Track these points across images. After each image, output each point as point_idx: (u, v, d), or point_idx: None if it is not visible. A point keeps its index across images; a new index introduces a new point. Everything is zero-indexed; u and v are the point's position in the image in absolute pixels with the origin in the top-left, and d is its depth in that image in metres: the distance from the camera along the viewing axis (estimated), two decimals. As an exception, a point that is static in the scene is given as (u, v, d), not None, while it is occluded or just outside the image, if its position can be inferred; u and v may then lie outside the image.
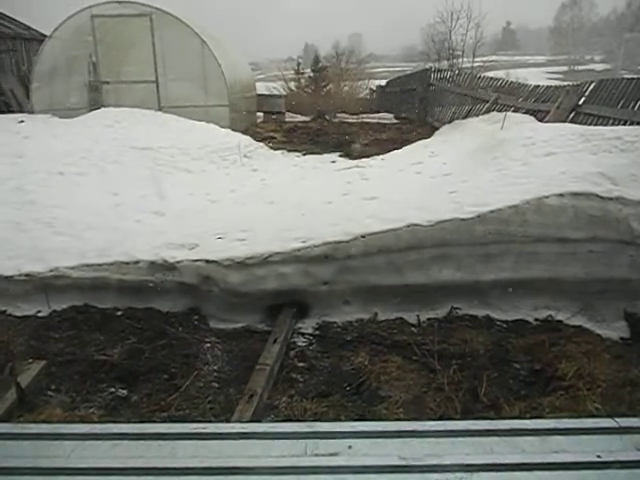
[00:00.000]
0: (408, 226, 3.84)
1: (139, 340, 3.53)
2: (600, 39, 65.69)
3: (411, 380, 3.10)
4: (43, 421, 2.64)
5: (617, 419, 1.66)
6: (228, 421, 2.61)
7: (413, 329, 3.70)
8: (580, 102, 8.16)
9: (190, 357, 3.36)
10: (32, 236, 4.63)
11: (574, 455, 1.50)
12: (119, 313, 3.86)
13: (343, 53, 29.80)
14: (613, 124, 6.86)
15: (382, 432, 1.65)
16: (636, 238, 3.73)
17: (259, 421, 2.64)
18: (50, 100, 11.79)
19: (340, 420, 2.65)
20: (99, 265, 4.01)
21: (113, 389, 3.06)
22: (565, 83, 11.13)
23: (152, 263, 3.97)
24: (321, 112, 16.83)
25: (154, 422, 2.64)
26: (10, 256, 4.20)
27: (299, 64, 26.92)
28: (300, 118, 16.84)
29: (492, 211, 3.85)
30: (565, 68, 56.00)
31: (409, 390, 3.00)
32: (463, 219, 3.84)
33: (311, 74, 24.97)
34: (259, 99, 16.22)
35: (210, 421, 2.66)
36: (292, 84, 25.54)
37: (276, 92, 21.10)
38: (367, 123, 15.01)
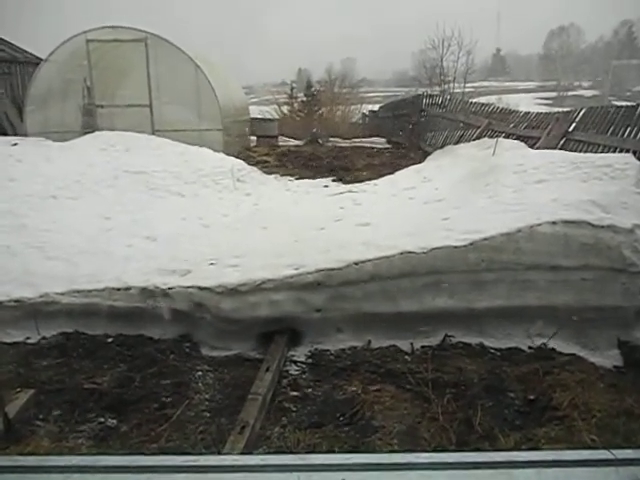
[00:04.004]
0: (401, 253, 3.83)
1: (129, 368, 3.49)
2: (588, 66, 66.94)
3: (405, 410, 3.06)
4: (30, 453, 2.59)
5: (613, 451, 1.64)
6: (220, 453, 2.57)
7: (407, 357, 3.67)
8: (570, 129, 8.26)
9: (181, 386, 3.32)
10: (23, 261, 4.60)
11: (570, 488, 1.48)
12: (109, 340, 3.82)
13: (336, 78, 30.20)
14: (603, 151, 6.93)
15: (376, 464, 1.62)
16: (628, 266, 3.74)
17: (251, 453, 2.60)
18: (44, 123, 11.85)
19: (334, 452, 2.61)
20: (89, 291, 3.98)
21: (102, 419, 3.00)
22: (555, 109, 11.30)
23: (143, 289, 3.95)
24: (314, 136, 16.96)
25: (143, 454, 2.59)
26: (0, 281, 4.16)
27: (292, 88, 27.23)
28: (293, 142, 16.95)
29: (485, 238, 3.86)
30: (554, 94, 56.92)
31: (403, 420, 2.97)
32: (456, 247, 3.84)
33: (304, 98, 25.22)
34: (252, 123, 16.33)
35: (201, 453, 2.61)
36: (285, 108, 25.79)
37: (269, 116, 21.26)
38: (360, 147, 15.13)
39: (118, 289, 3.98)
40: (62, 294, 3.97)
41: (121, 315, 3.91)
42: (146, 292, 3.94)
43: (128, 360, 3.58)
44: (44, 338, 3.83)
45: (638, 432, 2.72)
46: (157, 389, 3.26)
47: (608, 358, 3.63)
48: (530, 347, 3.75)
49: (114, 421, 2.99)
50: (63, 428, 2.92)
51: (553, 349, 3.70)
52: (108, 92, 12.95)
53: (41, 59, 12.86)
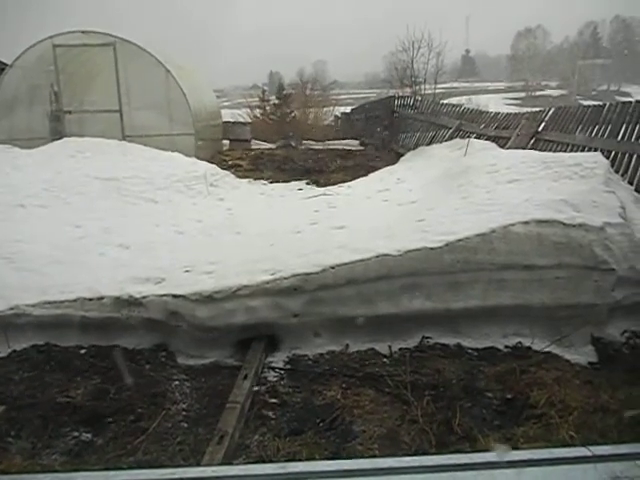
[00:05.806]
0: (377, 256, 3.83)
1: (104, 380, 3.42)
2: (555, 66, 68.21)
3: (385, 413, 3.06)
4: (2, 472, 2.51)
5: (591, 448, 1.65)
6: (198, 464, 2.53)
7: (385, 360, 3.67)
8: (539, 129, 8.38)
9: (157, 396, 3.26)
10: (-9, 272, 4.48)
11: (549, 486, 1.49)
12: (83, 351, 3.74)
13: (308, 80, 30.21)
14: (572, 150, 7.04)
15: (358, 470, 1.60)
16: (600, 264, 3.80)
17: (230, 463, 2.57)
18: (10, 130, 11.56)
19: (314, 459, 2.59)
20: (61, 302, 3.89)
21: (77, 433, 2.93)
22: (524, 109, 11.45)
23: (117, 299, 3.87)
24: (287, 139, 16.91)
25: (120, 469, 2.53)
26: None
27: (264, 91, 27.11)
28: (266, 145, 16.87)
29: (460, 239, 3.88)
30: (523, 94, 57.94)
31: (383, 424, 2.96)
32: (432, 248, 3.85)
33: (276, 101, 25.14)
34: (225, 127, 16.20)
35: (179, 466, 2.57)
36: (257, 111, 25.68)
37: (241, 119, 21.15)
38: (333, 150, 15.12)
39: (91, 299, 3.89)
40: (33, 306, 3.87)
41: (94, 326, 3.82)
42: (120, 301, 3.86)
43: (102, 372, 3.51)
44: (15, 351, 3.73)
45: (614, 428, 2.75)
46: (133, 401, 3.20)
47: (583, 355, 3.69)
48: (506, 346, 3.79)
49: (89, 435, 2.93)
50: (36, 444, 2.84)
51: (529, 347, 3.75)
52: (76, 98, 12.72)
53: (6, 64, 12.57)
